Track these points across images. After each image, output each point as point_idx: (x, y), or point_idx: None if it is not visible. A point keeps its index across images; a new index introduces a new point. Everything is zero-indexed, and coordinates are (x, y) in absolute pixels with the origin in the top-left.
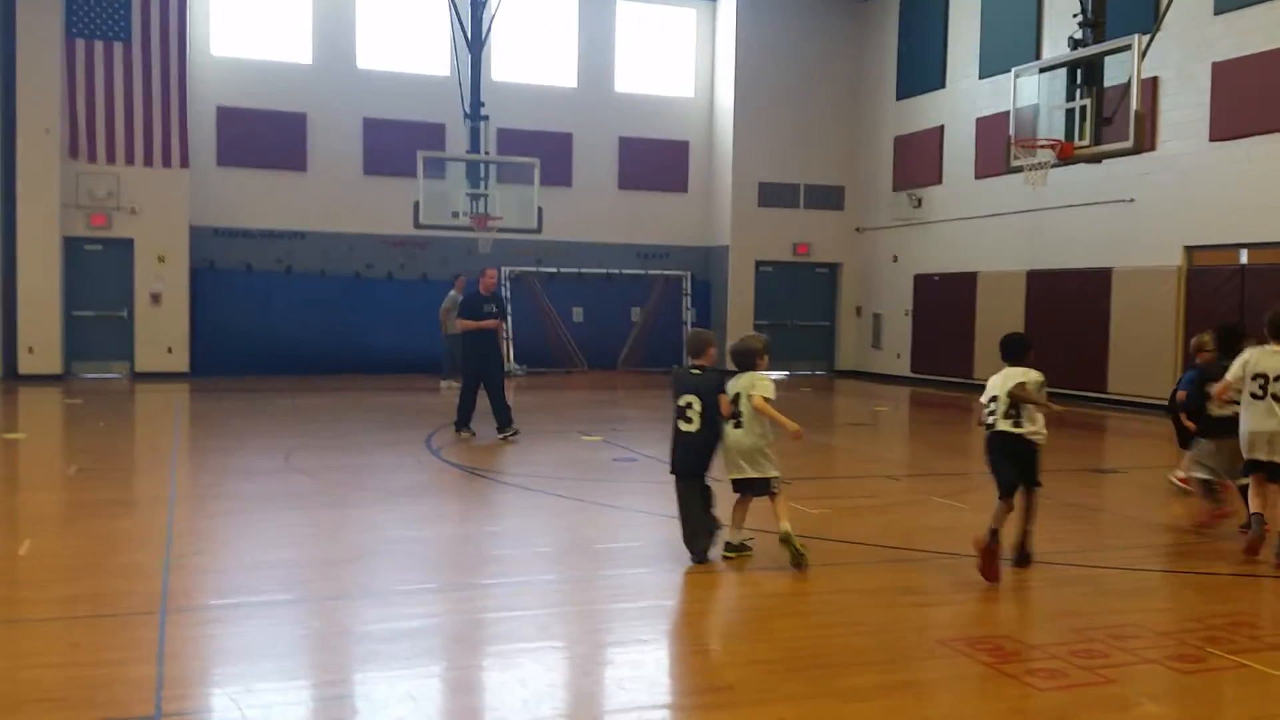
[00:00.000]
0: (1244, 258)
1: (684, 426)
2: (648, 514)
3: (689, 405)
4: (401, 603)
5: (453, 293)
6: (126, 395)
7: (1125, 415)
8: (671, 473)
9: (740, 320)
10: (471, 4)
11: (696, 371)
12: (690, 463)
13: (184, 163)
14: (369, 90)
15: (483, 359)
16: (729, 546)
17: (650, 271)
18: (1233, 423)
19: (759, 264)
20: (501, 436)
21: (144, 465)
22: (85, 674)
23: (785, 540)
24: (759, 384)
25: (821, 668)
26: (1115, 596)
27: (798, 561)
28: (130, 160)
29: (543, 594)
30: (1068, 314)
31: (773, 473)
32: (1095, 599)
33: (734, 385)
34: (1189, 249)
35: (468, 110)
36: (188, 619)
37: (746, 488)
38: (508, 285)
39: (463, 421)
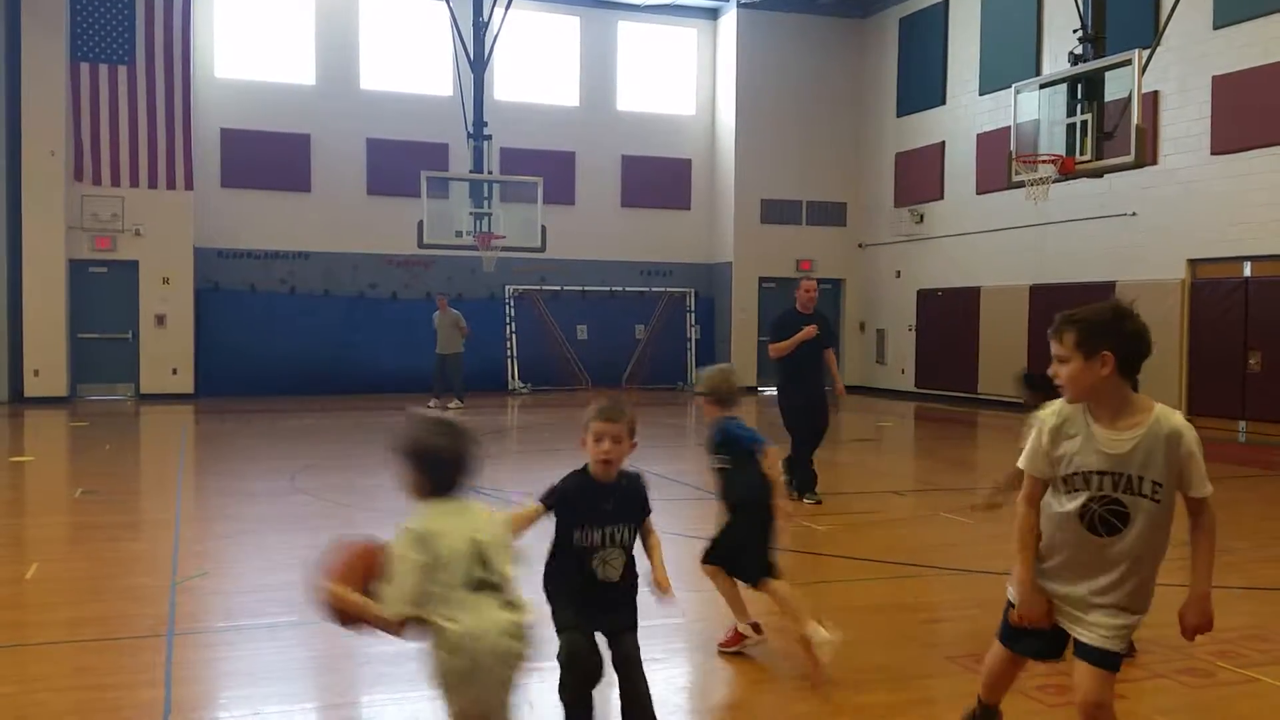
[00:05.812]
0: (1248, 270)
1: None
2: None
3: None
4: None
5: (436, 313)
6: (132, 417)
7: None
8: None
9: (745, 336)
10: (474, 25)
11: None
12: None
13: (188, 184)
14: (372, 111)
15: (811, 401)
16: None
17: (654, 289)
18: None
19: (762, 280)
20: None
21: (150, 487)
22: (93, 697)
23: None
24: None
25: (831, 686)
26: None
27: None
28: (135, 183)
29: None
30: None
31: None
32: None
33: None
34: (1192, 262)
35: (471, 130)
36: (195, 642)
37: None
38: (511, 304)
39: (805, 485)
